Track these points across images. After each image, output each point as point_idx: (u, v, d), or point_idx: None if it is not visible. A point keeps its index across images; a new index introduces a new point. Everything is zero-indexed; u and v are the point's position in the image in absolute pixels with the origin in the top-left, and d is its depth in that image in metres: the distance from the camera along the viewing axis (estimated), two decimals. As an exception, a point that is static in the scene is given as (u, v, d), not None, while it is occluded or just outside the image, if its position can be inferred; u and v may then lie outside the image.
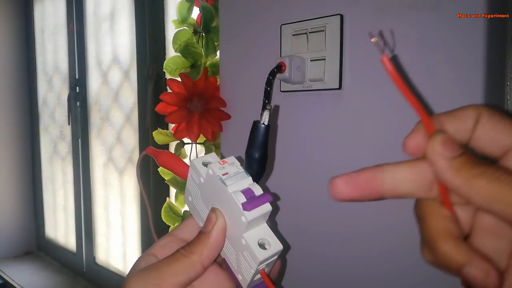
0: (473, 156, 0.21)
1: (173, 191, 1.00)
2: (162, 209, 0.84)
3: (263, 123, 0.35)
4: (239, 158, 0.34)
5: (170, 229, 0.84)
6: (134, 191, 1.27)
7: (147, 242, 1.18)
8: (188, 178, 0.35)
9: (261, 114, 0.36)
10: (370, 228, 0.53)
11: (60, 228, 1.67)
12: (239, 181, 0.31)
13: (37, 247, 1.78)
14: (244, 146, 0.53)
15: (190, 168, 0.34)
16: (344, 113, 0.55)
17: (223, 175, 0.31)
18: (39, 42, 1.71)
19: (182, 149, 0.83)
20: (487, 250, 0.22)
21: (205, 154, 0.83)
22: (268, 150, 0.44)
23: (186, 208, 0.86)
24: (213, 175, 0.31)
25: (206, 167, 0.33)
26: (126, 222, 1.31)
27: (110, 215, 1.40)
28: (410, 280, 0.50)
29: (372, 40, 0.21)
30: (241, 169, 0.32)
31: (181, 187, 0.83)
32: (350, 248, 0.55)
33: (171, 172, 0.82)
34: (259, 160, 0.37)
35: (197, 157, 0.81)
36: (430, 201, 0.23)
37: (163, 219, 0.84)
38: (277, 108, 0.61)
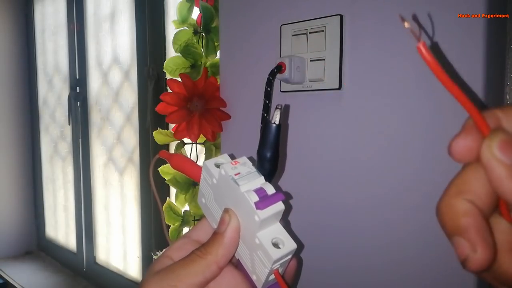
0: None
1: (173, 191, 1.00)
2: (162, 209, 0.84)
3: (274, 123, 0.36)
4: (250, 158, 0.34)
5: (170, 229, 0.85)
6: (134, 191, 1.27)
7: (147, 242, 1.18)
8: (201, 179, 0.35)
9: (273, 113, 0.37)
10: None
11: (61, 228, 1.67)
12: (251, 180, 0.31)
13: (37, 247, 1.78)
14: (245, 146, 0.53)
15: (202, 169, 0.35)
16: (344, 113, 0.55)
17: (236, 175, 0.31)
18: (40, 42, 1.71)
19: (182, 149, 0.83)
20: None
21: (205, 154, 0.83)
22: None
23: (186, 208, 0.86)
24: (226, 175, 0.32)
25: (219, 168, 0.33)
26: (126, 222, 1.31)
27: (110, 215, 1.40)
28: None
29: (406, 25, 0.18)
30: (253, 169, 0.32)
31: (181, 187, 0.83)
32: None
33: (171, 172, 0.82)
34: (270, 159, 0.37)
35: (197, 157, 0.81)
36: (474, 206, 0.18)
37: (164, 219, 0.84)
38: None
